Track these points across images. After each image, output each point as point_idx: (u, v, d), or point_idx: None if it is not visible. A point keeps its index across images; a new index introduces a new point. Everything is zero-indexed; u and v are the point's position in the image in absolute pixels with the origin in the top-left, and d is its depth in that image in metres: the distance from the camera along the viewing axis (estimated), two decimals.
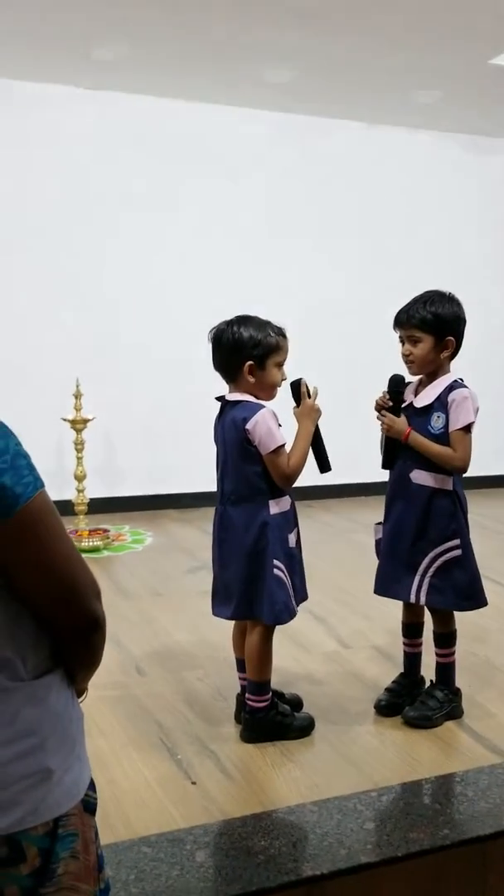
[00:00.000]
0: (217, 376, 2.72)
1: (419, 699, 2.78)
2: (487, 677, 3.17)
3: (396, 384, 2.73)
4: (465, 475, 2.76)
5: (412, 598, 2.72)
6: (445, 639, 2.81)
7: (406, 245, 6.69)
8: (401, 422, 2.69)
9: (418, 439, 2.67)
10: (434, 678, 2.84)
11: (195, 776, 2.41)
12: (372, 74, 5.56)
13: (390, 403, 2.72)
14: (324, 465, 2.69)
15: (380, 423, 2.74)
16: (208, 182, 6.20)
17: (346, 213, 6.60)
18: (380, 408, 2.74)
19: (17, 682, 1.23)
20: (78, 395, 5.21)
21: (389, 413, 2.71)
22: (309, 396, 2.65)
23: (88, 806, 1.35)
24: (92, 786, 1.37)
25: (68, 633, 1.30)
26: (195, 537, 5.31)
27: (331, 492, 6.10)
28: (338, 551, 4.93)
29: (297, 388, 2.66)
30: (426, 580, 2.69)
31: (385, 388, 2.75)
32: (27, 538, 1.19)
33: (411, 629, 2.90)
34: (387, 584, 2.78)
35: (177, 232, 6.15)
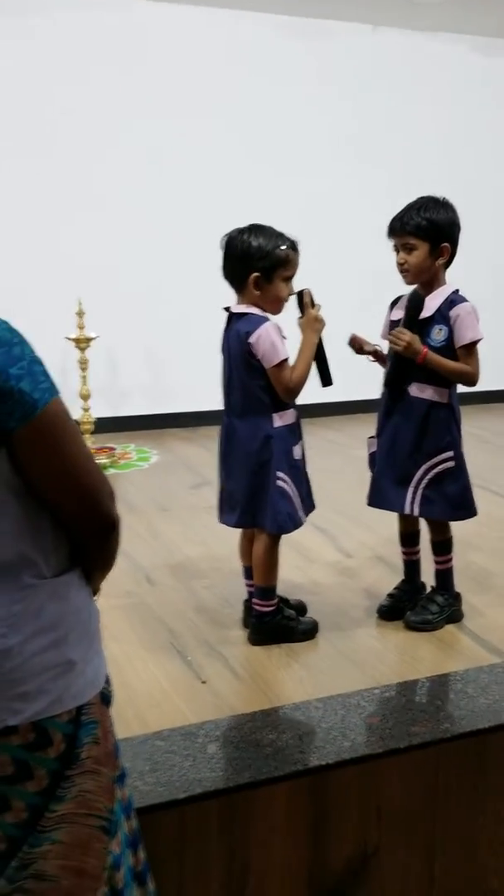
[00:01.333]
0: (221, 292, 2.72)
1: (420, 604, 2.86)
2: (485, 583, 3.26)
3: (418, 301, 2.68)
4: (468, 389, 2.78)
5: (407, 510, 2.77)
6: (442, 546, 2.87)
7: (410, 150, 6.54)
8: (418, 341, 2.65)
9: (435, 358, 2.64)
10: (434, 584, 2.92)
11: (205, 676, 2.51)
12: None
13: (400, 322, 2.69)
14: (325, 379, 2.69)
15: (390, 342, 2.70)
16: (210, 88, 6.05)
17: (350, 118, 6.45)
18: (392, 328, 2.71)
19: (40, 580, 1.29)
20: (80, 314, 5.20)
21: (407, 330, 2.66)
22: (313, 307, 2.65)
23: (105, 698, 1.43)
24: (108, 679, 1.45)
25: (86, 534, 1.36)
26: (199, 455, 5.36)
27: (331, 409, 6.12)
28: (338, 466, 4.98)
29: (302, 299, 2.66)
30: (419, 491, 2.73)
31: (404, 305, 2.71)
32: (47, 442, 1.23)
33: (408, 538, 2.96)
34: (381, 496, 2.82)
35: (179, 142, 6.03)
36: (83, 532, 1.36)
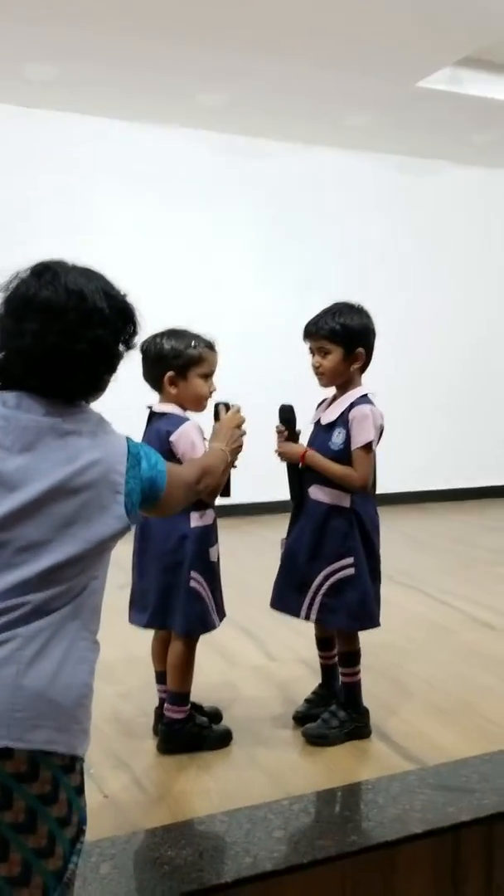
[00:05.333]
0: (139, 390, 2.73)
1: (322, 716, 2.76)
2: (409, 687, 3.21)
3: (286, 413, 2.73)
4: (398, 489, 2.77)
5: (302, 615, 2.73)
6: (349, 658, 2.78)
7: (341, 263, 6.78)
8: (295, 445, 2.69)
9: (316, 459, 2.66)
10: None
11: (108, 790, 2.41)
12: (303, 97, 5.67)
13: (285, 434, 2.72)
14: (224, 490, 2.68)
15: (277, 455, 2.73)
16: (142, 202, 6.24)
17: (284, 233, 6.68)
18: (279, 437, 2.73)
19: (93, 635, 1.52)
20: None
21: (287, 442, 2.70)
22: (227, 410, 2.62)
23: None
24: None
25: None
26: (129, 553, 5.27)
27: (267, 507, 6.13)
28: (271, 565, 4.93)
29: (217, 411, 2.62)
30: (318, 598, 2.68)
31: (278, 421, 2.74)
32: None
33: (323, 643, 2.91)
34: (280, 600, 2.80)
35: (107, 253, 6.13)
36: None
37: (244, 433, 2.46)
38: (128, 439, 1.59)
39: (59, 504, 1.42)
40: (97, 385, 1.58)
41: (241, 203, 6.57)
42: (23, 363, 1.49)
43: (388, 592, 4.36)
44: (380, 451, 2.76)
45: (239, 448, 2.43)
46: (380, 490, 2.82)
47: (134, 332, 1.61)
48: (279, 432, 2.72)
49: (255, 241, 6.63)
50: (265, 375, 5.89)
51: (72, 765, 1.41)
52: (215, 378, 2.68)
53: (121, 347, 1.58)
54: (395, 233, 7.10)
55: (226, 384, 2.75)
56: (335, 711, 2.76)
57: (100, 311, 1.51)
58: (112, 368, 1.59)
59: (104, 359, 1.55)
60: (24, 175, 5.92)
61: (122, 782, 2.46)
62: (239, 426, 2.47)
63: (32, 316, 1.48)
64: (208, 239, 6.47)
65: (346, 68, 5.16)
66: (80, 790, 1.44)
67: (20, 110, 5.86)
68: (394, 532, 6.21)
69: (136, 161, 6.23)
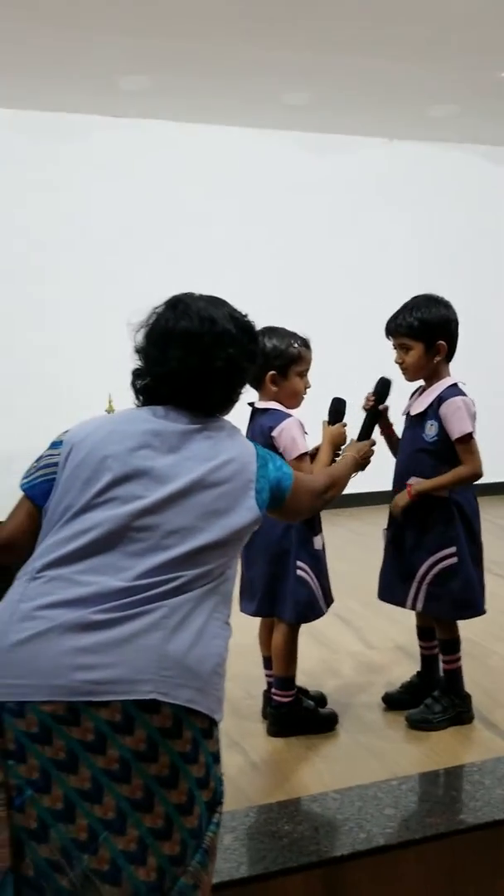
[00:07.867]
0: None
1: (425, 702, 2.82)
2: None
3: (384, 385, 2.75)
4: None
5: (409, 605, 2.79)
6: (449, 645, 2.84)
7: (428, 256, 6.77)
8: (403, 494, 2.72)
9: (425, 486, 2.69)
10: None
11: (223, 768, 2.52)
12: (387, 90, 5.68)
13: (372, 401, 2.74)
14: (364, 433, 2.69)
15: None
16: (232, 202, 6.35)
17: (372, 228, 6.71)
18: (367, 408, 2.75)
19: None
20: (110, 410, 5.37)
21: (370, 413, 2.72)
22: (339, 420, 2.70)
23: None
24: None
25: None
26: None
27: (358, 500, 6.19)
28: (364, 556, 4.97)
29: (334, 409, 2.71)
30: (423, 587, 2.73)
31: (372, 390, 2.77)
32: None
33: (424, 632, 2.97)
34: (387, 590, 2.87)
35: (202, 252, 6.31)
36: None
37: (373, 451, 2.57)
38: (255, 444, 1.80)
39: (201, 495, 1.63)
40: (232, 397, 1.82)
41: (328, 201, 6.61)
42: (169, 385, 1.73)
43: (487, 582, 4.43)
44: (486, 439, 2.82)
45: (367, 463, 2.54)
46: (485, 479, 2.84)
47: (256, 348, 1.85)
48: (368, 398, 2.74)
49: (346, 237, 6.66)
50: (359, 373, 5.94)
51: (210, 731, 1.57)
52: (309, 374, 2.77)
53: (247, 363, 1.80)
54: (484, 223, 7.05)
55: (327, 383, 2.85)
56: (438, 697, 2.83)
57: (229, 332, 1.74)
58: (244, 382, 1.83)
59: (236, 373, 1.78)
60: (117, 181, 6.10)
61: (235, 761, 2.58)
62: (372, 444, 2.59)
63: (174, 344, 1.72)
64: (301, 238, 6.54)
65: (427, 60, 5.16)
66: (216, 757, 1.59)
67: (112, 121, 6.04)
68: (492, 524, 6.22)
69: (222, 164, 6.35)
